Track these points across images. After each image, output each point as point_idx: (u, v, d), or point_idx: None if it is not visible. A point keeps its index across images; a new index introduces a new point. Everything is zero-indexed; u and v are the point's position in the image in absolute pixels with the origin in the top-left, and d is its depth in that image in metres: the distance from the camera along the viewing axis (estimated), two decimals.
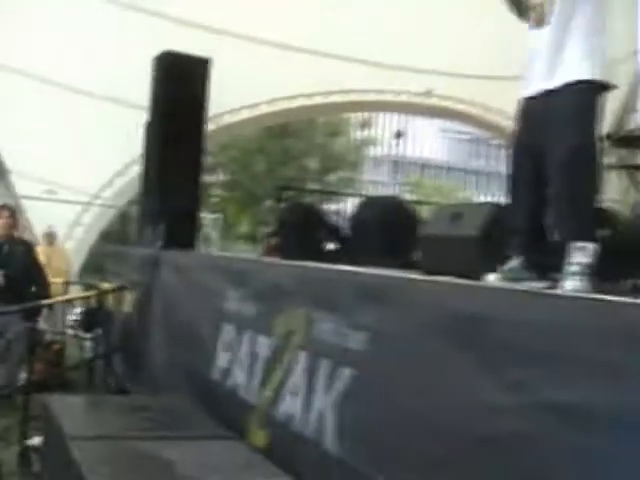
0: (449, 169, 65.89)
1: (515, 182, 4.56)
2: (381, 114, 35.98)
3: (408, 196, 40.74)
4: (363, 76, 11.56)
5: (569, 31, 4.24)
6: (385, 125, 43.84)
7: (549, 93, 4.25)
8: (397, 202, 7.56)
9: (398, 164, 57.49)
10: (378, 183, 49.85)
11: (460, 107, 12.82)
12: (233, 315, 5.63)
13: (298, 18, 10.22)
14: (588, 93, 4.17)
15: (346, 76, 11.55)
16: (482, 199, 55.58)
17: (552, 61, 4.26)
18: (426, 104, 11.35)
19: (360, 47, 10.77)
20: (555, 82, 4.22)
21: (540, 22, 4.39)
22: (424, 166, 63.00)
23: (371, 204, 8.02)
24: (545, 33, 4.34)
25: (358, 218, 7.55)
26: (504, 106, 12.09)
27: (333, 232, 7.96)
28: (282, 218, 9.05)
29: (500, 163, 66.58)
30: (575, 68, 4.17)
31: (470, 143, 65.95)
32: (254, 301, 5.42)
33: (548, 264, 4.33)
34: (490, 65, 10.66)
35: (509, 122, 12.79)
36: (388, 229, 6.76)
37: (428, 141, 64.01)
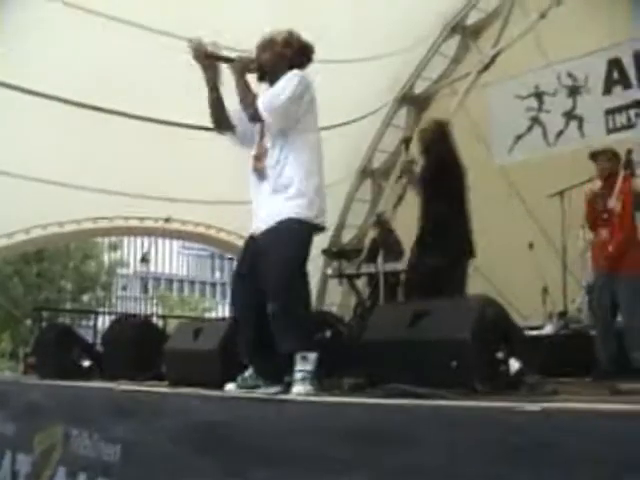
0: (192, 282, 66.06)
1: (236, 305, 4.65)
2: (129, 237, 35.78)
3: (156, 309, 40.40)
4: (110, 205, 11.46)
5: (282, 177, 4.42)
6: (133, 246, 43.55)
7: (266, 230, 4.41)
8: (144, 320, 7.48)
9: (146, 280, 56.99)
10: (129, 299, 49.10)
11: (198, 229, 12.96)
12: None
13: (52, 154, 10.03)
14: (297, 229, 4.35)
15: (95, 205, 11.41)
16: (222, 308, 55.92)
17: (269, 203, 4.43)
18: (168, 228, 11.35)
19: (107, 179, 10.70)
20: (270, 221, 4.37)
21: (261, 174, 4.53)
22: (169, 281, 62.73)
23: (121, 322, 7.92)
24: (264, 181, 4.49)
25: (109, 336, 7.39)
26: (234, 227, 12.39)
27: (87, 349, 7.72)
28: (38, 338, 8.76)
29: None
30: (287, 209, 4.34)
31: (209, 258, 66.52)
32: (14, 421, 5.19)
33: (278, 370, 4.40)
34: (220, 192, 10.88)
35: (240, 240, 13.10)
36: (137, 345, 6.65)
37: (172, 258, 64.06)
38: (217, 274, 67.85)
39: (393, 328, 4.03)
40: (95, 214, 11.88)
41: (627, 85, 10.33)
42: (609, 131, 10.43)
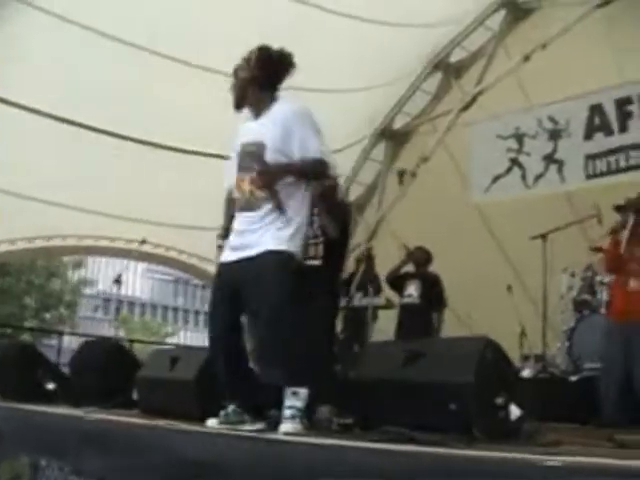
0: (154, 306, 65.32)
1: (215, 335, 4.39)
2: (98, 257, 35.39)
3: (116, 332, 39.95)
4: (82, 223, 11.17)
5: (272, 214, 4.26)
6: (98, 266, 43.20)
7: (250, 259, 4.23)
8: (116, 344, 7.18)
9: (109, 302, 56.50)
10: (92, 319, 48.57)
11: (169, 254, 12.70)
12: None
13: (19, 167, 9.76)
14: (284, 261, 4.20)
15: (66, 222, 11.12)
16: (184, 333, 55.51)
17: (257, 230, 4.26)
18: (139, 251, 11.02)
19: (80, 197, 10.44)
20: (256, 251, 4.21)
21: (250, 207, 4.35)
22: (132, 304, 62.06)
23: (91, 345, 7.57)
24: (254, 214, 4.30)
25: (78, 359, 7.05)
26: (206, 253, 12.15)
27: (51, 371, 7.41)
28: None
29: (199, 301, 67.20)
30: (275, 241, 4.20)
31: (173, 283, 65.93)
32: None
33: (262, 406, 4.19)
34: (194, 216, 10.68)
35: (212, 267, 12.84)
36: (107, 370, 6.36)
37: (136, 281, 63.36)
38: (180, 299, 67.34)
39: (386, 367, 3.83)
40: (65, 231, 11.59)
41: (608, 132, 10.24)
42: (589, 177, 10.32)
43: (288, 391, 3.93)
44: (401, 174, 7.39)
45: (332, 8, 9.59)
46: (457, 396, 3.42)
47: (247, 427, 4.03)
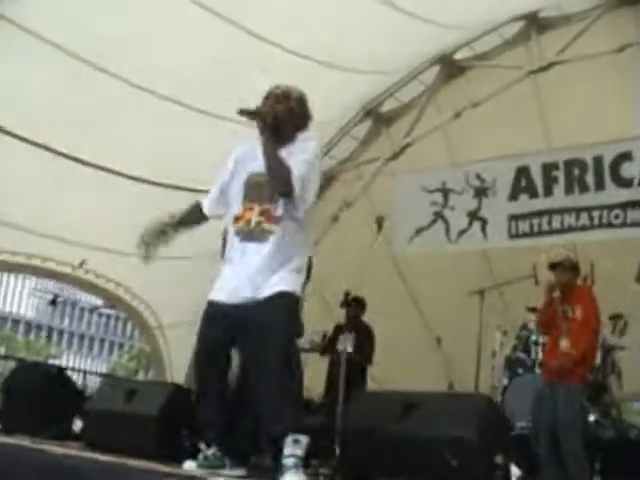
0: (39, 326, 63.25)
1: (205, 379, 4.14)
2: None
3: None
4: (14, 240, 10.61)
5: (286, 247, 4.12)
6: None
7: (253, 303, 4.02)
8: (55, 369, 6.77)
9: None
10: None
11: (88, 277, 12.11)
12: None
13: None
14: (290, 304, 4.03)
15: None
16: (67, 356, 54.00)
17: (262, 270, 4.06)
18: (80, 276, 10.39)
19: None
20: (262, 293, 4.01)
21: (252, 237, 4.17)
22: (16, 322, 59.99)
23: (27, 370, 7.08)
24: (258, 246, 4.13)
25: (12, 383, 6.54)
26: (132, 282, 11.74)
27: None
28: None
29: (85, 324, 65.60)
30: (281, 283, 4.02)
31: (60, 304, 63.97)
32: None
33: (244, 451, 3.99)
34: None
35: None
36: (45, 397, 5.94)
37: (22, 298, 61.35)
38: (66, 321, 65.41)
39: (379, 419, 3.68)
40: None
41: (533, 194, 10.36)
42: (511, 236, 10.43)
43: (289, 439, 3.72)
44: (379, 220, 7.31)
45: (274, 42, 9.45)
46: (459, 452, 3.30)
47: (227, 472, 3.81)
